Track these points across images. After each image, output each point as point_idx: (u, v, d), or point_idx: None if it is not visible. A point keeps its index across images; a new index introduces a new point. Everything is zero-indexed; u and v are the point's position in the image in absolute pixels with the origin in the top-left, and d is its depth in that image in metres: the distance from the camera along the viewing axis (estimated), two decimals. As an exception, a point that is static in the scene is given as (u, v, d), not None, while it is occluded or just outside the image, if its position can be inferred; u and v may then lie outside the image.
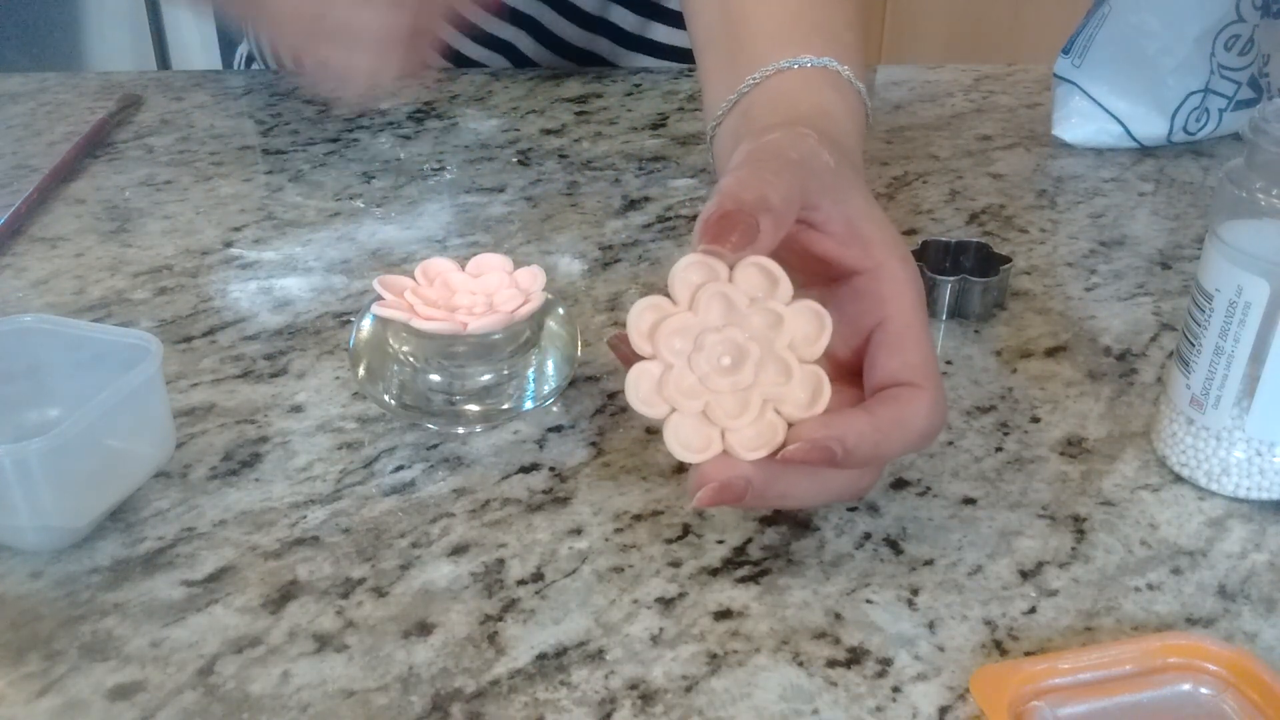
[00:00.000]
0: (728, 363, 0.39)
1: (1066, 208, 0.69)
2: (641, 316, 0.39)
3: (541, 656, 0.39)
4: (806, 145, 0.43)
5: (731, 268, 0.39)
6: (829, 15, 0.53)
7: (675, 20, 0.89)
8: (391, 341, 0.49)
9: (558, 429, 0.50)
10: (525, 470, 0.48)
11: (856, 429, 0.38)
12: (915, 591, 0.42)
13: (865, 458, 0.39)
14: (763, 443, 0.39)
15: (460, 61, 0.89)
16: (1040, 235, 0.66)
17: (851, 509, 0.46)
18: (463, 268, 0.51)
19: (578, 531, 0.45)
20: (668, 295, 0.39)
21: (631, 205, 0.69)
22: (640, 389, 0.39)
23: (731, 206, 0.38)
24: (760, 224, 0.38)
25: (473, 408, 0.49)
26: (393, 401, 0.49)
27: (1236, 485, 0.46)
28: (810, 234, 0.41)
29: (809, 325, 0.40)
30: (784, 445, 0.39)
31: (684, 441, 0.39)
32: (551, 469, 0.48)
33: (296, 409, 0.52)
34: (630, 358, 0.39)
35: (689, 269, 0.39)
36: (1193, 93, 0.73)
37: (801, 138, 0.44)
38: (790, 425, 0.39)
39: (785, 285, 0.39)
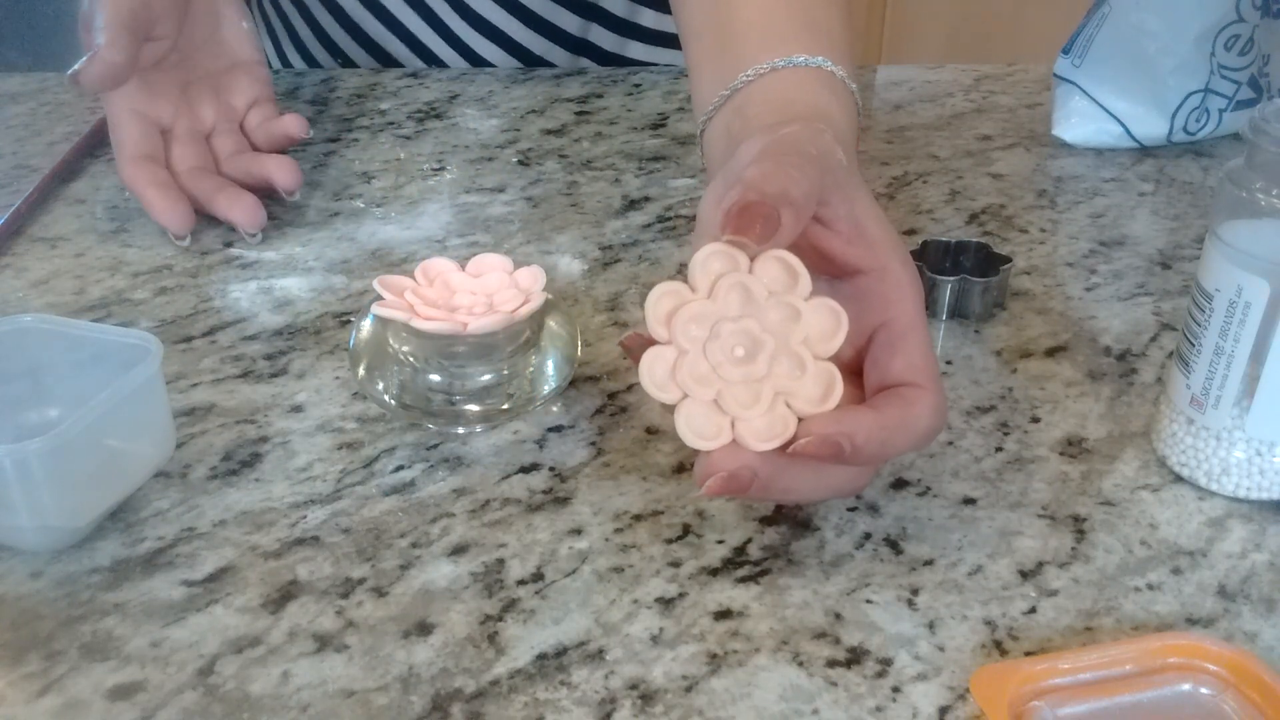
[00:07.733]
0: (741, 353, 0.39)
1: (1066, 208, 0.69)
2: (660, 302, 0.39)
3: (541, 656, 0.39)
4: (824, 141, 0.43)
5: (752, 259, 0.39)
6: (820, 13, 0.53)
7: (651, 39, 0.90)
8: (391, 341, 0.49)
9: (558, 429, 0.50)
10: (525, 470, 0.48)
11: (865, 427, 0.39)
12: (915, 591, 0.42)
13: (871, 456, 0.39)
14: (773, 435, 0.39)
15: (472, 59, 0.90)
16: (1040, 235, 0.66)
17: (851, 509, 0.46)
18: (463, 268, 0.51)
19: (578, 531, 0.45)
20: (686, 282, 0.39)
21: (631, 205, 0.69)
22: (654, 373, 0.39)
23: (754, 198, 0.38)
24: (781, 217, 0.38)
25: (473, 408, 0.49)
26: (393, 401, 0.49)
27: (1236, 485, 0.46)
28: (816, 229, 0.41)
29: (825, 322, 0.40)
30: (793, 439, 0.39)
31: (695, 428, 0.39)
32: (551, 469, 0.48)
33: (296, 409, 0.52)
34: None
35: (711, 258, 0.39)
36: (1193, 93, 0.73)
37: (819, 133, 0.44)
38: (800, 420, 0.39)
39: (805, 281, 0.39)
